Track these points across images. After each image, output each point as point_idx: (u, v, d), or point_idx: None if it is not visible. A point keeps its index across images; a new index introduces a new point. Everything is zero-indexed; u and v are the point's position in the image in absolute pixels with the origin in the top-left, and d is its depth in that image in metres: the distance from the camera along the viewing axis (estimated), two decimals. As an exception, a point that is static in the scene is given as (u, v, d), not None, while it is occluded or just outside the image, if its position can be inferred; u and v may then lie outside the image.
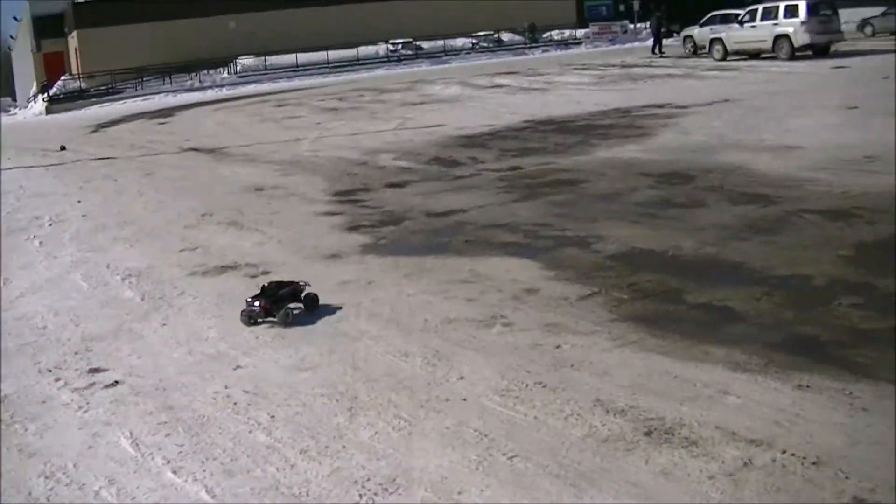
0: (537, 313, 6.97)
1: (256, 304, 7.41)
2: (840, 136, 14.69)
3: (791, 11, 34.39)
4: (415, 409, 5.42)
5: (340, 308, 7.57)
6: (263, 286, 7.68)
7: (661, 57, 43.47)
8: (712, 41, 38.18)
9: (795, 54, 34.16)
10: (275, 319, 7.34)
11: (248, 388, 5.99)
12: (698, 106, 20.72)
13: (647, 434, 4.86)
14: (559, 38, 65.15)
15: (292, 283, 7.78)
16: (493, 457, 4.77)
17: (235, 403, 5.75)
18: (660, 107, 21.14)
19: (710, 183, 11.59)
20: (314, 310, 7.57)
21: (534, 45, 62.44)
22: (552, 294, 7.42)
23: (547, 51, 59.47)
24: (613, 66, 38.80)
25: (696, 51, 42.70)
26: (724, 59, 36.87)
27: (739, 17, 37.46)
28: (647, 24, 59.17)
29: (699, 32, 43.06)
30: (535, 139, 17.30)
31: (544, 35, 64.95)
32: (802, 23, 33.86)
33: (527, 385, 5.61)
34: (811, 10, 34.23)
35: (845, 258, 7.90)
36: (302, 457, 4.95)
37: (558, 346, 6.21)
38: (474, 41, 62.89)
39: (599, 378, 5.61)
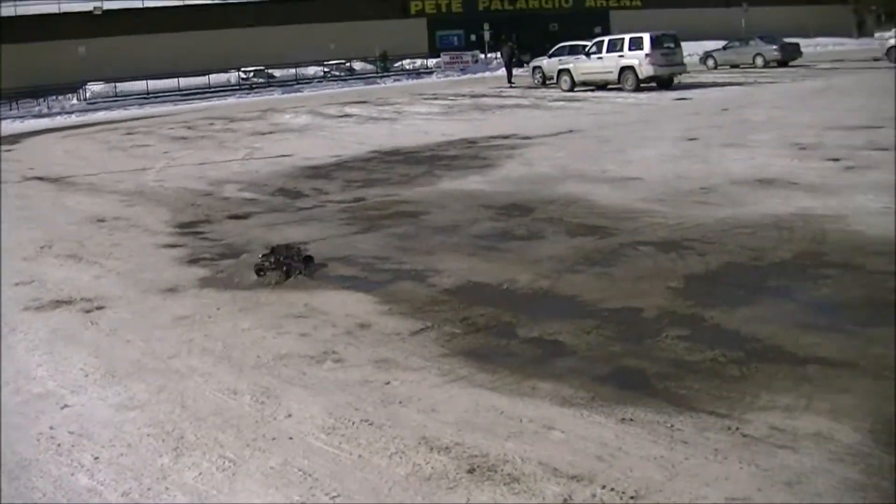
0: (369, 349, 6.96)
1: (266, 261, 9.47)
2: (679, 167, 15.04)
3: (636, 44, 35.30)
4: (241, 449, 5.36)
5: (175, 344, 7.46)
6: (273, 247, 9.92)
7: (510, 87, 44.02)
8: (560, 72, 38.86)
9: (640, 86, 34.99)
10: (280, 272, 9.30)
11: (73, 428, 5.85)
12: (544, 136, 21.03)
13: (470, 471, 4.88)
14: (411, 67, 65.45)
15: (296, 245, 10.01)
16: (315, 497, 4.74)
17: (59, 445, 5.60)
18: (506, 137, 21.39)
19: (550, 215, 11.74)
20: (312, 269, 9.49)
21: (386, 73, 62.61)
22: (385, 329, 7.42)
23: (399, 80, 59.67)
24: (463, 95, 39.15)
25: (545, 81, 43.39)
26: (571, 89, 37.55)
27: (587, 49, 38.24)
28: (499, 53, 59.94)
29: (548, 63, 43.81)
30: (381, 170, 17.32)
31: (396, 64, 65.21)
32: (647, 55, 34.76)
33: (354, 423, 5.59)
34: (655, 43, 35.18)
35: (675, 290, 8.07)
36: (123, 499, 4.85)
37: (388, 383, 6.20)
38: (326, 70, 62.80)
39: (427, 415, 5.62)
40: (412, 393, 5.99)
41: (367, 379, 6.31)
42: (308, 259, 9.68)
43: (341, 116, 31.61)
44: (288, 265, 9.44)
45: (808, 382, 5.75)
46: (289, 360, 6.83)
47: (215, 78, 58.22)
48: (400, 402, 5.85)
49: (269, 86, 58.44)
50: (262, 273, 9.41)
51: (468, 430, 5.35)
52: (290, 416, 5.78)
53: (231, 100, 51.33)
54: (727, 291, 7.98)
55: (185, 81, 56.85)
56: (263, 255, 9.68)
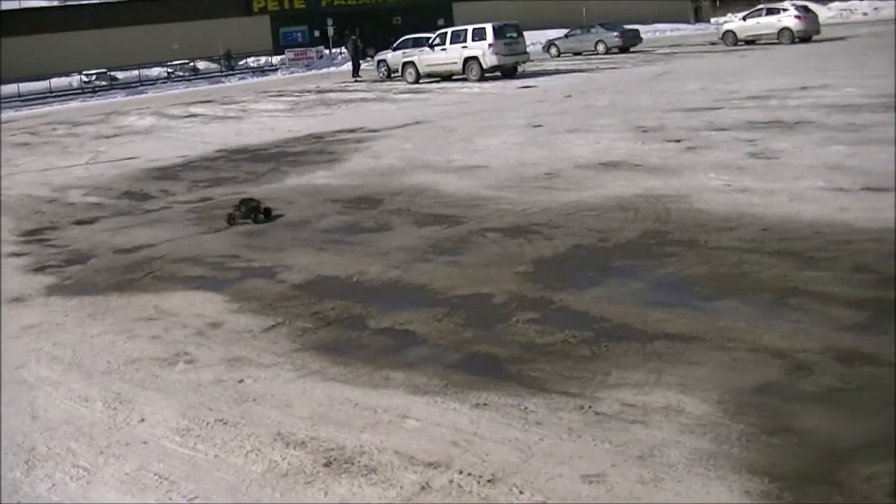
0: (221, 348, 6.86)
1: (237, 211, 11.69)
2: (524, 154, 15.20)
3: (479, 35, 35.54)
4: (94, 457, 5.23)
5: (22, 354, 7.25)
6: (241, 200, 12.09)
7: (356, 81, 43.95)
8: (405, 65, 38.97)
9: (485, 76, 35.27)
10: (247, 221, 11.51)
11: (-83, 447, 5.63)
12: (390, 129, 21.05)
13: (327, 465, 4.85)
14: (255, 65, 64.92)
15: (258, 201, 12.00)
16: (172, 500, 4.65)
17: None
18: (352, 131, 21.36)
19: (398, 206, 11.75)
20: (271, 218, 11.69)
21: (230, 72, 61.89)
22: (236, 327, 7.33)
23: (244, 78, 58.98)
24: (309, 91, 39.02)
25: (390, 74, 43.45)
26: (416, 81, 37.66)
27: (430, 41, 38.34)
28: (343, 48, 59.88)
29: (392, 56, 43.87)
30: (228, 168, 17.11)
31: (241, 62, 64.57)
32: (490, 45, 35.05)
33: (208, 423, 5.50)
34: (498, 33, 35.49)
35: (524, 274, 8.14)
36: (-29, 518, 4.70)
37: (241, 381, 6.12)
38: (170, 70, 61.80)
39: (281, 411, 5.56)
40: (266, 390, 5.92)
41: (220, 378, 6.21)
42: (268, 210, 11.80)
43: (186, 117, 31.15)
44: (254, 215, 11.59)
45: (657, 358, 5.86)
46: (140, 364, 6.69)
47: (57, 82, 56.82)
48: (254, 400, 5.77)
49: (113, 88, 57.27)
50: (233, 222, 11.54)
51: (323, 424, 5.31)
52: (143, 420, 5.66)
53: (74, 104, 50.09)
54: (575, 273, 8.08)
55: (25, 87, 55.34)
56: (234, 207, 11.82)
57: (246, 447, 5.13)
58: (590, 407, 5.22)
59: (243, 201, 11.97)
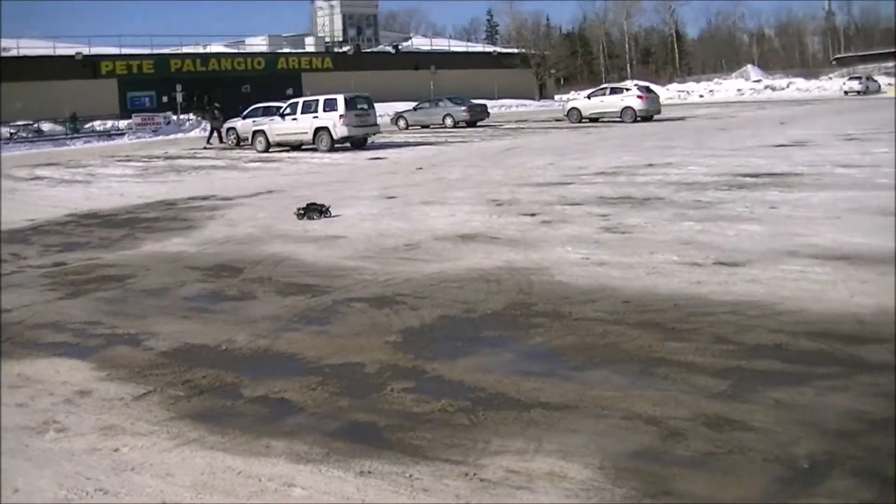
0: (92, 416, 6.73)
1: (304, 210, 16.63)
2: (381, 224, 15.31)
3: (330, 105, 35.76)
4: (-35, 529, 5.10)
5: None
6: (308, 204, 16.94)
7: (205, 148, 43.63)
8: (255, 133, 38.90)
9: (335, 146, 35.45)
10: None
11: None
12: (243, 197, 20.99)
13: (214, 533, 4.82)
14: (102, 128, 63.80)
15: (322, 205, 16.92)
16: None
17: None
18: (205, 198, 21.23)
19: (259, 274, 11.70)
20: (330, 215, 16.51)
21: (76, 135, 60.68)
22: (106, 395, 7.19)
23: (89, 141, 57.83)
24: (157, 157, 38.59)
25: (240, 142, 43.29)
26: (266, 150, 37.63)
27: (281, 111, 38.39)
28: (190, 115, 59.72)
29: (242, 124, 43.80)
30: (79, 233, 16.79)
31: (87, 125, 63.41)
32: (341, 116, 35.29)
33: (87, 492, 5.39)
34: (349, 104, 35.76)
35: (393, 344, 8.20)
36: None
37: (116, 450, 6.01)
38: (12, 131, 60.32)
39: (162, 479, 5.49)
40: (144, 458, 5.83)
41: (95, 447, 6.09)
42: (328, 208, 16.87)
43: (32, 179, 30.41)
44: (320, 211, 16.66)
45: (535, 426, 5.98)
46: (7, 433, 6.51)
47: None
48: (132, 469, 5.67)
49: (-51, 149, 55.61)
50: (303, 216, 16.56)
51: (207, 493, 5.26)
52: (17, 491, 5.50)
53: None
54: (445, 343, 8.18)
55: None
56: (302, 208, 16.81)
57: (127, 515, 5.06)
58: (474, 474, 5.29)
59: (309, 206, 16.86)
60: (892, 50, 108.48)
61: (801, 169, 20.79)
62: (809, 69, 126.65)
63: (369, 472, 5.43)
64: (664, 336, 7.92)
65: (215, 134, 47.43)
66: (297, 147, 37.36)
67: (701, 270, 10.46)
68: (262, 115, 41.84)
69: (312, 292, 10.52)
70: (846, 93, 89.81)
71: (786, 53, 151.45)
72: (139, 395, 7.15)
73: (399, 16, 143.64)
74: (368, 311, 9.48)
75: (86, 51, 71.38)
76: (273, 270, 11.95)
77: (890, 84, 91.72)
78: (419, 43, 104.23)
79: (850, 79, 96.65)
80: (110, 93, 69.16)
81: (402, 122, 55.84)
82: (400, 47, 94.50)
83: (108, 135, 61.90)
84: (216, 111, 49.06)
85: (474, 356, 7.71)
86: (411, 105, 59.68)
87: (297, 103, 37.92)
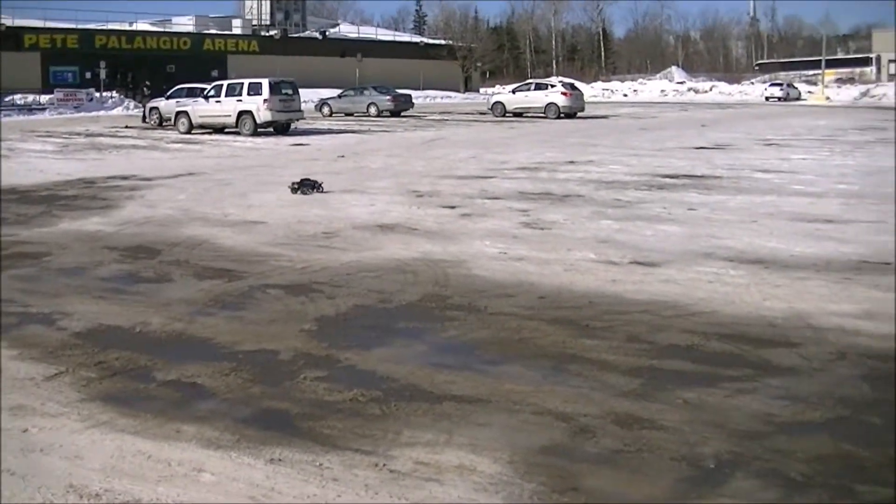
0: (2, 395, 6.66)
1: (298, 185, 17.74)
2: (301, 211, 15.28)
3: (255, 89, 35.59)
4: None
5: None
6: (302, 179, 18.14)
7: (126, 127, 43.10)
8: (178, 114, 38.53)
9: (258, 130, 35.26)
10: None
11: None
12: (164, 178, 20.83)
13: (120, 517, 4.80)
14: (23, 102, 62.70)
15: (314, 180, 18.12)
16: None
17: None
18: (125, 178, 21.03)
19: (177, 257, 11.62)
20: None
21: (-6, 108, 59.64)
22: (17, 374, 7.09)
23: (9, 115, 56.76)
24: (79, 134, 38.11)
25: (162, 122, 42.87)
26: (189, 132, 37.33)
27: (206, 92, 38.07)
28: (114, 92, 59.04)
29: (165, 104, 43.32)
30: (-6, 209, 16.56)
31: (6, 98, 62.27)
32: (265, 101, 35.14)
33: (-8, 473, 5.35)
34: (273, 89, 35.58)
35: (308, 332, 8.20)
36: None
37: (25, 430, 5.94)
38: (-73, 101, 59.19)
39: (71, 461, 5.44)
40: (53, 440, 5.77)
41: (3, 427, 6.03)
42: (321, 184, 18.02)
43: (-54, 152, 29.92)
44: (312, 186, 17.76)
45: (447, 419, 6.02)
46: (-89, 409, 6.43)
47: None
48: (41, 450, 5.61)
49: None
50: (297, 190, 17.65)
51: (116, 476, 5.22)
52: (-80, 468, 5.45)
53: None
54: (360, 333, 8.19)
55: None
56: (296, 183, 17.95)
57: (37, 499, 4.99)
58: (384, 465, 5.33)
59: (303, 181, 17.98)
60: (814, 58, 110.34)
61: (720, 172, 21.15)
62: (732, 73, 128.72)
63: (279, 460, 5.43)
64: (578, 333, 8.01)
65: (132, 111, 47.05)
66: (220, 130, 37.15)
67: (617, 269, 10.60)
68: (186, 96, 41.36)
69: (229, 277, 10.48)
70: (767, 98, 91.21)
71: (710, 57, 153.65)
72: (50, 376, 7.07)
73: (327, 2, 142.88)
74: (284, 298, 9.46)
75: (9, 22, 70.13)
76: (190, 253, 11.87)
77: (810, 92, 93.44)
78: (347, 30, 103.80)
79: (772, 85, 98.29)
80: (33, 66, 68.00)
81: (326, 109, 55.70)
82: (327, 34, 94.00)
83: (28, 109, 60.87)
84: (145, 89, 48.63)
85: (388, 347, 7.74)
86: (336, 92, 59.54)
87: (221, 86, 37.69)
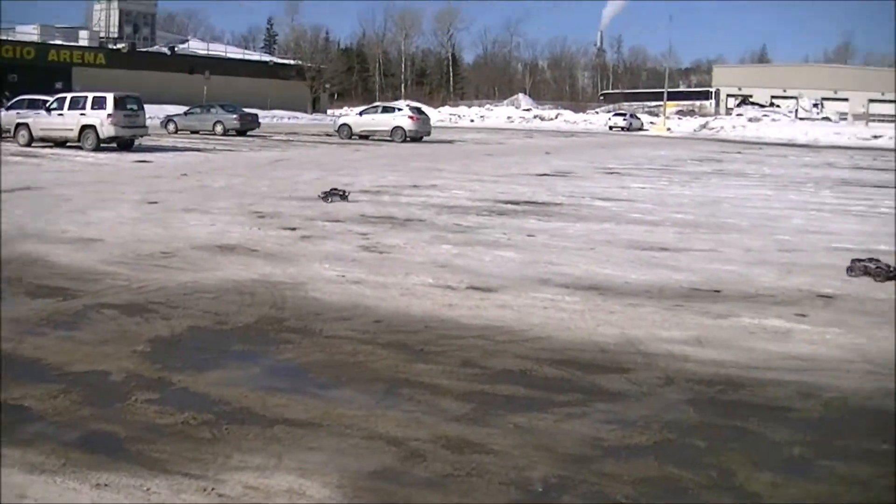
0: None
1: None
2: (139, 230, 15.06)
3: (98, 103, 34.99)
4: None
5: None
6: (332, 189, 20.35)
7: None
8: (18, 125, 37.57)
9: (101, 146, 34.65)
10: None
11: None
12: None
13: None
14: None
15: (343, 190, 20.24)
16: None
17: None
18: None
19: (8, 274, 11.31)
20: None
21: None
22: None
23: None
24: None
25: (1, 134, 41.71)
26: (29, 144, 36.48)
27: (48, 104, 37.24)
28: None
29: (5, 115, 42.07)
30: None
31: None
32: (109, 115, 34.56)
33: None
34: (118, 103, 35.02)
35: (141, 353, 8.09)
36: None
37: None
38: None
39: None
40: None
41: None
42: (347, 194, 20.01)
43: None
44: (341, 195, 19.69)
45: (278, 442, 6.02)
46: None
47: None
48: None
49: None
50: (327, 199, 19.51)
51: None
52: None
53: None
54: (194, 355, 8.12)
55: None
56: (326, 192, 20.00)
57: None
58: (213, 489, 5.30)
59: (332, 190, 20.24)
60: (657, 90, 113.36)
61: (561, 199, 21.57)
62: (578, 102, 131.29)
63: (105, 485, 5.35)
64: (413, 357, 8.08)
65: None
66: (61, 144, 36.34)
67: (454, 293, 10.72)
68: (28, 107, 40.29)
69: (63, 295, 10.27)
70: (611, 128, 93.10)
71: (557, 85, 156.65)
72: None
73: (177, 17, 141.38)
74: (119, 318, 9.32)
75: None
76: (23, 270, 11.58)
77: (652, 122, 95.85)
78: (196, 46, 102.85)
79: (616, 114, 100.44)
80: None
81: (171, 126, 55.00)
82: (176, 49, 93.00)
83: None
84: (4, 99, 47.27)
85: (222, 369, 7.69)
86: (183, 109, 58.89)
87: (64, 98, 36.85)
